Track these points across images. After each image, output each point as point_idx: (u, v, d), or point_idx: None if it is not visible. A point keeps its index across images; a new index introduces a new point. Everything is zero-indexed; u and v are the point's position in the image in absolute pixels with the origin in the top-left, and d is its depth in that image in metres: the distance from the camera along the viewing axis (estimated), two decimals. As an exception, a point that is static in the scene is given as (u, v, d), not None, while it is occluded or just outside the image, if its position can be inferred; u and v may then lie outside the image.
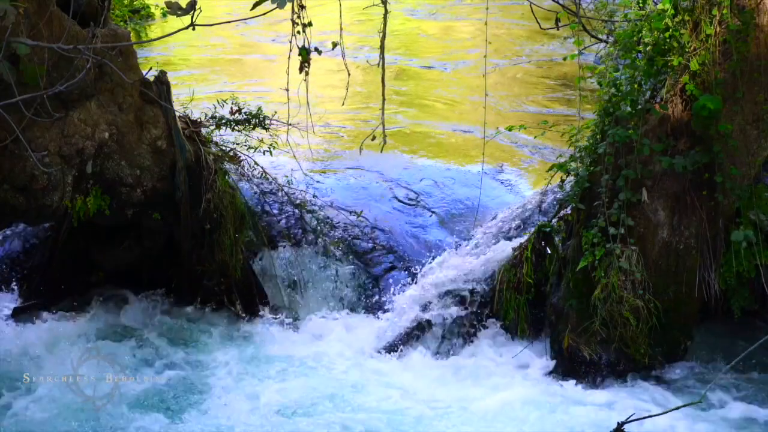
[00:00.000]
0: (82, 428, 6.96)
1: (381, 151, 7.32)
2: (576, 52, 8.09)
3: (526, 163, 9.92)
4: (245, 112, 8.71)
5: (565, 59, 8.77)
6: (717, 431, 7.10)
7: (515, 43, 14.48)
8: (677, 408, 5.22)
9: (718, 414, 7.29)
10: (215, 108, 8.69)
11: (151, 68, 8.21)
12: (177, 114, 8.18)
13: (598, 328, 7.59)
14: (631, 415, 4.98)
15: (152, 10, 16.95)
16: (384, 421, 7.10)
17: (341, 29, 6.83)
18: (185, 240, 8.29)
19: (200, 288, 8.54)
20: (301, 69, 6.79)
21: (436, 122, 10.90)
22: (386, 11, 6.47)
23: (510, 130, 8.60)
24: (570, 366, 7.77)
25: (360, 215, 9.01)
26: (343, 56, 6.62)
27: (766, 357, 7.83)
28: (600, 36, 7.88)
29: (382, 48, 6.53)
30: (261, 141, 8.68)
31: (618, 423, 4.87)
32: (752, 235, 7.45)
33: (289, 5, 5.30)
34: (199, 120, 8.51)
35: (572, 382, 7.66)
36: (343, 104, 8.29)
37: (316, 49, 6.67)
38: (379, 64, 6.63)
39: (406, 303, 8.41)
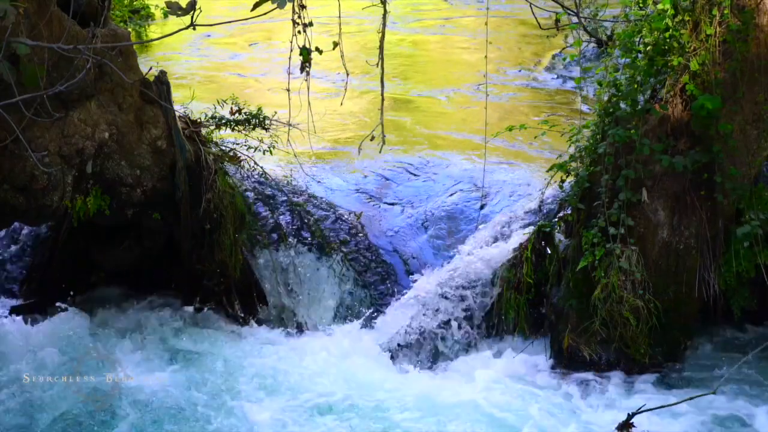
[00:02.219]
0: (82, 428, 6.96)
1: (380, 152, 7.32)
2: (575, 52, 8.10)
3: (526, 165, 9.91)
4: (245, 113, 8.71)
5: (565, 59, 8.78)
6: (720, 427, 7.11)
7: (524, 64, 14.11)
8: (690, 399, 5.15)
9: (724, 408, 7.28)
10: (215, 108, 8.68)
11: (151, 68, 8.20)
12: (177, 114, 8.18)
13: (598, 328, 7.60)
14: (642, 406, 4.92)
15: (152, 10, 16.95)
16: (382, 422, 7.10)
17: (340, 29, 6.83)
18: (185, 240, 8.28)
19: (200, 288, 8.54)
20: (302, 69, 6.79)
21: (441, 152, 10.67)
22: (385, 11, 6.46)
23: (510, 130, 8.60)
24: (570, 366, 7.77)
25: (360, 216, 9.01)
26: (342, 55, 6.62)
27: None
28: (595, 35, 7.88)
29: (381, 48, 6.53)
30: (261, 141, 8.67)
31: (628, 414, 4.79)
32: (758, 228, 7.43)
33: (289, 5, 5.30)
34: (199, 120, 8.51)
35: (572, 382, 7.66)
36: (341, 104, 8.25)
37: (317, 49, 6.66)
38: (377, 65, 6.63)
39: (406, 304, 8.41)
